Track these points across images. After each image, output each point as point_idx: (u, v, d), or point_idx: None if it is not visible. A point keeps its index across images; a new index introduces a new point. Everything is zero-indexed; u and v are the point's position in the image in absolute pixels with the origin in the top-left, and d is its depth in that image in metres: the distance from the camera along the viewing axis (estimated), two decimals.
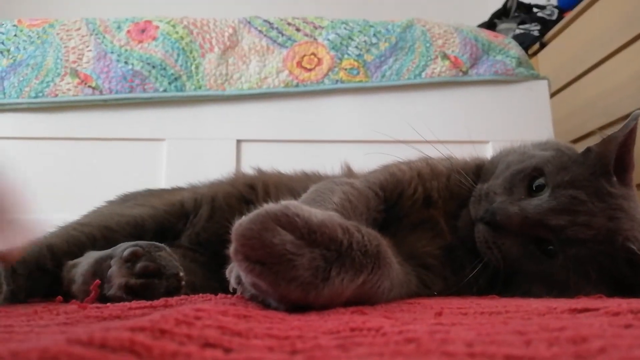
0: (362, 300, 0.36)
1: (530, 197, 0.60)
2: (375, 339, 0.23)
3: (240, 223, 0.33)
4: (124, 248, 0.51)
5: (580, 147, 0.65)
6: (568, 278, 0.57)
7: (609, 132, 0.62)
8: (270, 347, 0.22)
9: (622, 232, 0.56)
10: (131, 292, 0.48)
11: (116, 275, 0.49)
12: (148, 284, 0.48)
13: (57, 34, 1.36)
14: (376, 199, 0.64)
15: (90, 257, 0.56)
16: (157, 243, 0.53)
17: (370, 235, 0.39)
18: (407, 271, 0.56)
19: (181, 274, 0.50)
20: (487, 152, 1.33)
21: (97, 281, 0.50)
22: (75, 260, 0.59)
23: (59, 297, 0.55)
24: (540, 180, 0.60)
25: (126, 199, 0.82)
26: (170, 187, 0.89)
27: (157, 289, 0.48)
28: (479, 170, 0.70)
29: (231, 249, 0.33)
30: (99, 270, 0.52)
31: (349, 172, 0.78)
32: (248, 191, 0.78)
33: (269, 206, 0.34)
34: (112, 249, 0.54)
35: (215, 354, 0.21)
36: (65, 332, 0.27)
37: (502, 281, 0.61)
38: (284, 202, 0.35)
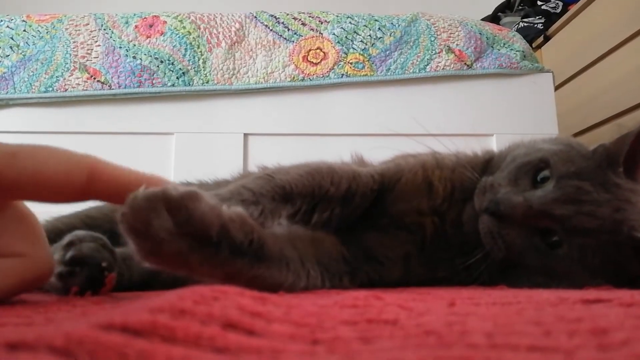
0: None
1: (535, 189, 0.60)
2: (395, 332, 0.23)
3: (137, 195, 0.37)
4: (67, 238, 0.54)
5: (584, 139, 0.65)
6: (571, 269, 0.58)
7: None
8: (292, 335, 0.22)
9: (628, 222, 0.56)
10: (60, 278, 0.51)
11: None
12: (71, 272, 0.51)
13: (66, 29, 1.37)
14: (369, 179, 0.66)
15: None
16: (95, 234, 0.55)
17: (258, 233, 0.44)
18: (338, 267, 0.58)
19: (103, 264, 0.52)
20: (492, 145, 1.34)
21: (113, 274, 0.51)
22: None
23: (75, 288, 0.56)
24: (546, 172, 0.61)
25: None
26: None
27: (78, 277, 0.50)
28: (487, 164, 0.70)
29: (119, 213, 0.37)
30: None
31: (360, 163, 0.79)
32: None
33: (171, 188, 0.38)
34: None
35: (239, 337, 0.21)
36: (86, 318, 0.29)
37: (498, 274, 0.61)
38: (188, 189, 0.39)
